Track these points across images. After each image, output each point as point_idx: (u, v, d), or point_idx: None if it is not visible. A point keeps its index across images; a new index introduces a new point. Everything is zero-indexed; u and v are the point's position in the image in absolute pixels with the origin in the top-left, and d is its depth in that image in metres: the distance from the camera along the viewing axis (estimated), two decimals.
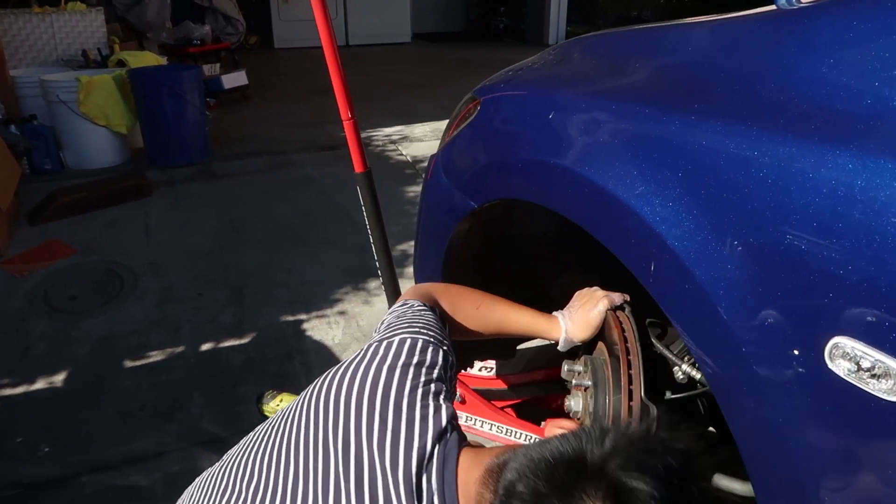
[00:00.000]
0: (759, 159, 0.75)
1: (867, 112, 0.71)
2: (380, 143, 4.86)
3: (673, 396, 1.13)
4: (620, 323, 1.16)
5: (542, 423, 2.03)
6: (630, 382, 1.07)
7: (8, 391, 2.28)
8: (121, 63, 4.46)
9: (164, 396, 2.24)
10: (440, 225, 1.44)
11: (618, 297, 1.22)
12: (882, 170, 0.65)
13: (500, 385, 2.07)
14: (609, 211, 0.90)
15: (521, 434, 1.96)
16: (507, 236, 1.53)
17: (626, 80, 1.01)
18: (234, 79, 5.80)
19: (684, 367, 1.13)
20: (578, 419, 1.24)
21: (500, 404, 2.05)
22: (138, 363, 2.44)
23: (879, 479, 0.66)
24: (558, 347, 1.28)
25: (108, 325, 2.65)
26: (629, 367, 1.08)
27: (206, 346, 2.52)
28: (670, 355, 1.15)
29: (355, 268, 2.96)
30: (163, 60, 4.78)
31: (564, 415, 2.05)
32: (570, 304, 1.29)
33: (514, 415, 2.02)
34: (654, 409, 1.05)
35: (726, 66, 0.89)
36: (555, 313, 1.28)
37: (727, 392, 0.79)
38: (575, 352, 1.32)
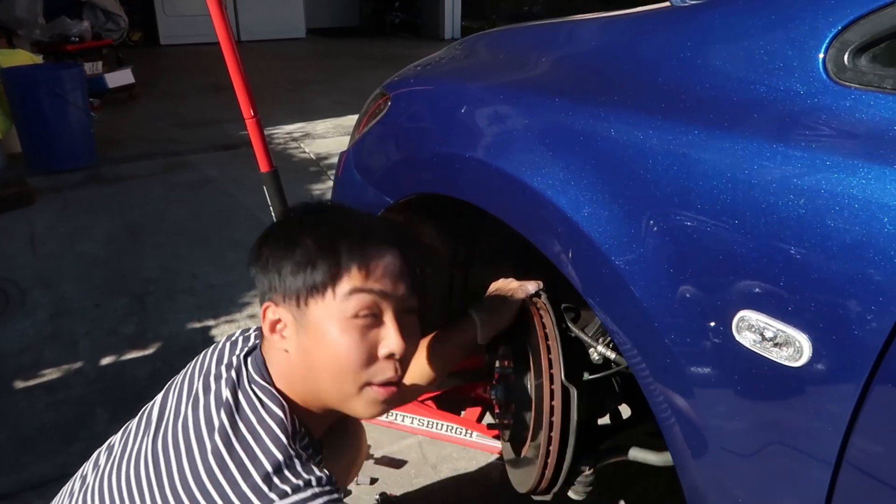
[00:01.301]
0: (663, 147, 0.80)
1: (758, 100, 0.76)
2: (281, 140, 4.74)
3: (591, 377, 1.17)
4: (538, 310, 1.20)
5: (462, 412, 2.07)
6: (550, 367, 1.11)
7: None
8: None
9: (65, 416, 2.10)
10: None
11: (532, 286, 1.26)
12: (774, 153, 0.71)
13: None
14: (526, 202, 0.92)
15: (443, 426, 1.98)
16: (422, 230, 1.54)
17: (534, 73, 1.04)
18: (120, 77, 5.49)
19: (599, 348, 1.19)
20: (503, 406, 1.27)
21: (420, 397, 2.06)
22: (32, 383, 2.28)
23: (788, 439, 0.71)
24: (478, 341, 1.31)
25: None
26: (549, 352, 1.12)
27: (107, 360, 2.39)
28: (586, 338, 1.20)
29: None
30: (38, 59, 4.45)
31: (485, 403, 2.10)
32: (486, 295, 1.33)
33: (434, 407, 2.04)
34: (574, 391, 1.09)
35: (629, 59, 0.93)
36: (469, 309, 1.31)
37: (645, 369, 0.83)
38: (496, 341, 1.35)
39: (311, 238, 0.90)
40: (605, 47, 0.99)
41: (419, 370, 1.33)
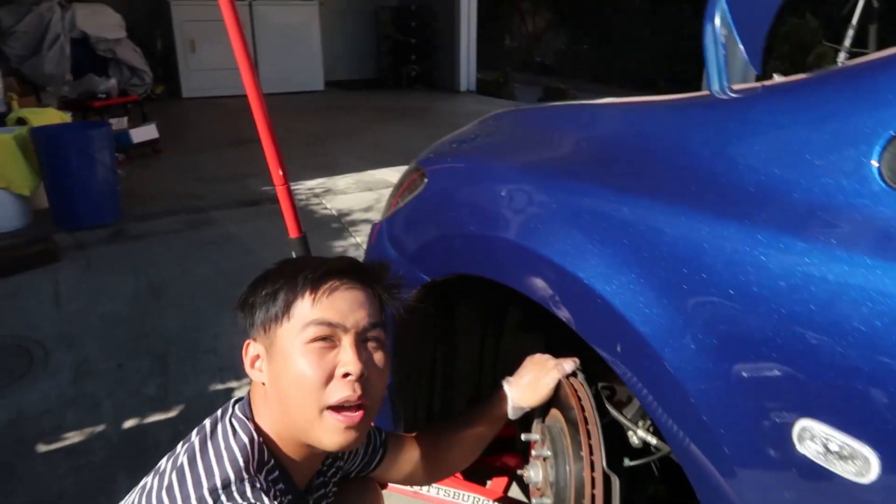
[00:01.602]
0: (715, 243, 0.79)
1: (811, 201, 0.76)
2: (303, 196, 4.79)
3: (632, 464, 1.15)
4: (576, 391, 1.18)
5: (488, 483, 2.03)
6: (591, 453, 1.09)
7: None
8: (21, 121, 4.23)
9: (85, 482, 2.08)
10: None
11: (569, 365, 1.24)
12: (831, 257, 0.69)
13: None
14: (571, 291, 0.92)
15: (468, 497, 1.94)
16: (452, 304, 1.54)
17: (575, 158, 1.05)
18: (144, 133, 5.60)
19: (640, 432, 1.16)
20: (539, 489, 1.24)
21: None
22: (53, 447, 2.26)
23: None
24: (509, 416, 1.29)
25: (17, 407, 2.45)
26: (588, 437, 1.10)
27: (129, 423, 2.38)
28: (626, 421, 1.18)
29: None
30: (67, 117, 4.56)
31: (511, 473, 2.05)
32: (520, 370, 1.31)
33: (461, 477, 2.00)
34: (616, 480, 1.07)
35: (672, 148, 0.93)
36: (502, 382, 1.30)
37: (697, 469, 0.81)
38: (528, 417, 1.33)
39: (277, 274, 1.00)
40: (647, 134, 0.99)
41: (451, 445, 1.32)
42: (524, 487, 2.05)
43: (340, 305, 0.96)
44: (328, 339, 0.95)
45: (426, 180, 1.31)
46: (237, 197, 4.71)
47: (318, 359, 0.93)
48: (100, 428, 2.35)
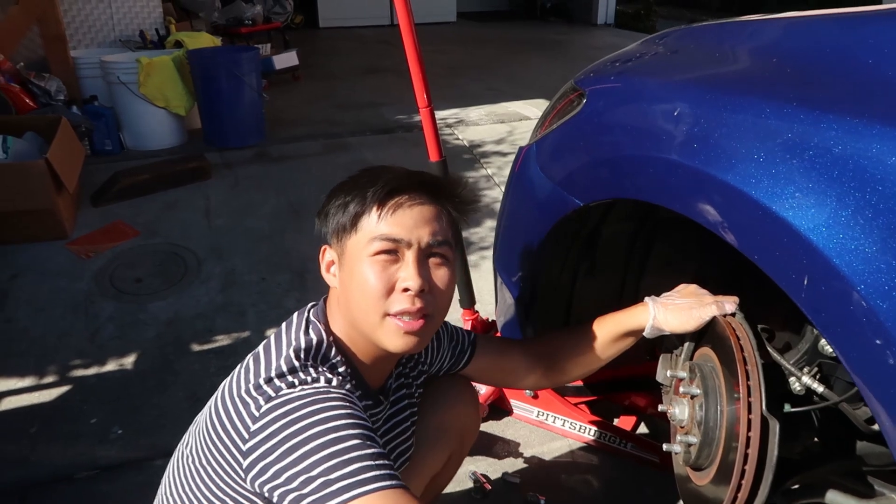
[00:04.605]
0: None
1: None
2: None
3: (793, 410, 1.07)
4: (734, 330, 1.11)
5: (615, 420, 2.00)
6: (749, 394, 1.02)
7: (80, 372, 2.33)
8: (178, 44, 4.47)
9: None
10: (532, 221, 1.39)
11: (730, 305, 1.16)
12: None
13: (575, 382, 2.03)
14: (753, 219, 0.84)
15: (593, 431, 1.92)
16: (597, 234, 1.48)
17: (765, 76, 0.94)
18: (286, 59, 5.77)
19: (805, 379, 1.08)
20: (683, 427, 1.19)
21: (573, 400, 2.01)
22: (205, 347, 2.46)
23: None
24: (644, 334, 1.23)
25: (174, 309, 2.67)
26: (747, 378, 1.03)
27: (271, 331, 2.51)
28: (788, 366, 1.10)
29: None
30: (218, 41, 4.76)
31: (639, 412, 2.01)
32: (671, 293, 1.25)
33: (587, 411, 1.99)
34: (774, 423, 1.00)
35: (884, 62, 0.82)
36: (646, 299, 1.24)
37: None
38: (670, 349, 1.27)
39: (351, 185, 1.04)
40: (849, 47, 0.87)
41: (573, 352, 1.31)
42: (651, 427, 2.01)
43: (406, 221, 1.00)
44: (392, 253, 0.99)
45: (584, 100, 1.24)
46: (372, 124, 4.78)
47: (382, 270, 0.99)
48: (245, 334, 2.52)
